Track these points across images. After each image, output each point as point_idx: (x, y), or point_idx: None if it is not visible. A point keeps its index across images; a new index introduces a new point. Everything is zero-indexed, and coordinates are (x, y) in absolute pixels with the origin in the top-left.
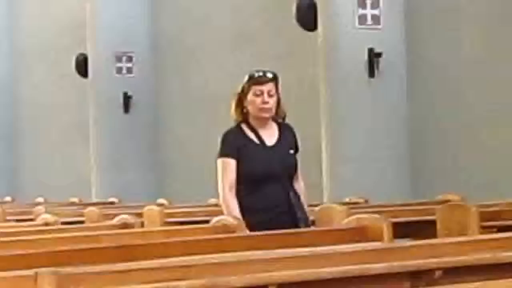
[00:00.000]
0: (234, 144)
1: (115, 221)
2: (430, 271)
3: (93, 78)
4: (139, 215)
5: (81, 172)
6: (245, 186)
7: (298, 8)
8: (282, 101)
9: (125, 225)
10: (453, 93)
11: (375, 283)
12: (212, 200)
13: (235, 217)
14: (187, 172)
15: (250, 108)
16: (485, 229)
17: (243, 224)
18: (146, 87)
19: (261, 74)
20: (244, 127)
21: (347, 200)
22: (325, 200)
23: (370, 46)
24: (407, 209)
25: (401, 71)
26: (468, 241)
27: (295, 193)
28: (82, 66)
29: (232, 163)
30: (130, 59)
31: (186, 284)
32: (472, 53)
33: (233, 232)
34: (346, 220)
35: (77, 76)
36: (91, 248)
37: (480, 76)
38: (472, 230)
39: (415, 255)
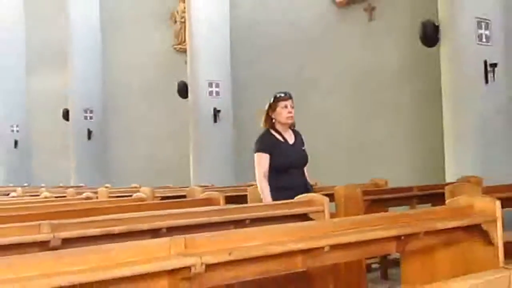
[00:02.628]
0: (268, 142)
1: (83, 196)
2: (242, 220)
3: (72, 122)
4: (96, 192)
5: (65, 172)
6: (277, 172)
7: (179, 86)
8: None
9: (88, 198)
10: None
11: (212, 227)
12: (133, 184)
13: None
14: (121, 171)
15: (278, 118)
16: None
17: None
18: (101, 126)
19: (283, 94)
20: (272, 131)
21: (204, 184)
22: (192, 184)
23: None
24: (236, 188)
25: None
26: (261, 205)
27: (306, 176)
28: (66, 116)
29: (266, 156)
30: (91, 111)
31: (118, 228)
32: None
33: (145, 201)
34: (201, 195)
35: (63, 121)
36: (70, 210)
37: None
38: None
39: (235, 212)
